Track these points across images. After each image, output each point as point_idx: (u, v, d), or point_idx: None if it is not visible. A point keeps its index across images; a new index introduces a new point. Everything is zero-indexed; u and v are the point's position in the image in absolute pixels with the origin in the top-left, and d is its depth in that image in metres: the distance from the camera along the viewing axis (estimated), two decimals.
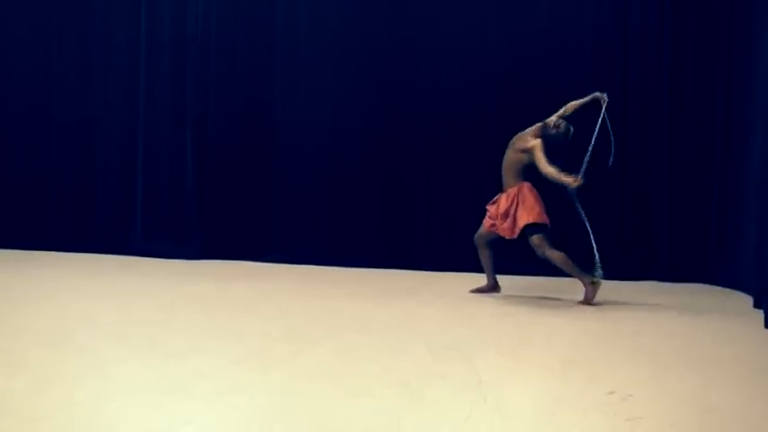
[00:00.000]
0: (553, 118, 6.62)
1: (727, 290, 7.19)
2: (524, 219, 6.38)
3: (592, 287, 6.38)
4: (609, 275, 7.36)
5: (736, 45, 7.30)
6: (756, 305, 6.23)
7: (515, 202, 6.44)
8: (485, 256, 6.81)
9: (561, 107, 6.79)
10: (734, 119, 7.33)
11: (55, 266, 8.09)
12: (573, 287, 6.72)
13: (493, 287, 6.85)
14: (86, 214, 9.19)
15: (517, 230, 6.42)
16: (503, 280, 6.93)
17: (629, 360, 4.72)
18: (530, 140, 6.50)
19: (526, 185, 6.48)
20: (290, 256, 8.46)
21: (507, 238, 6.52)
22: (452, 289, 7.09)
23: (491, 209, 6.65)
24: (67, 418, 3.52)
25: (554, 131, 6.53)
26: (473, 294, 6.83)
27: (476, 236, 6.80)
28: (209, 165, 8.82)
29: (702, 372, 4.49)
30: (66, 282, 7.22)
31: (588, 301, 6.36)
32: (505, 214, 6.46)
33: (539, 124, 6.63)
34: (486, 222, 6.68)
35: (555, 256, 6.41)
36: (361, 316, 5.92)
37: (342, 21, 8.50)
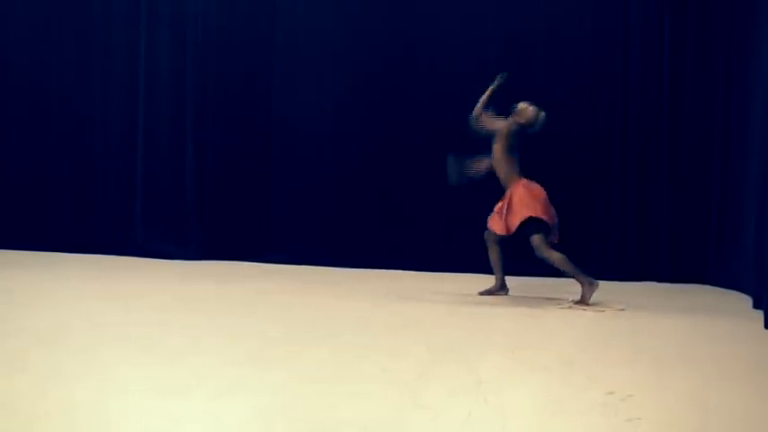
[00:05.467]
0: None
1: (727, 290, 7.19)
2: (517, 217, 6.36)
3: (589, 288, 6.38)
4: (609, 276, 7.38)
5: (735, 46, 7.30)
6: (756, 306, 6.23)
7: (507, 201, 6.43)
8: (494, 255, 6.73)
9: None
10: (733, 120, 7.33)
11: (54, 267, 8.08)
12: (573, 287, 6.71)
13: (501, 287, 6.80)
14: (86, 215, 9.18)
15: (511, 228, 6.41)
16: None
17: (629, 360, 4.72)
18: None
19: (521, 183, 6.44)
20: (289, 257, 8.46)
21: (502, 234, 6.50)
22: (452, 289, 7.08)
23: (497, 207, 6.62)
24: (67, 419, 3.52)
25: (524, 120, 6.51)
26: (474, 295, 6.81)
27: (486, 233, 6.74)
28: (209, 165, 8.81)
29: (702, 372, 4.49)
30: (65, 282, 7.22)
31: (585, 301, 6.36)
32: (500, 213, 6.46)
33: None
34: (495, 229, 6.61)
35: (554, 257, 6.40)
36: (361, 316, 5.92)
37: (341, 21, 8.50)
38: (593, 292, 6.36)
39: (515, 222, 6.37)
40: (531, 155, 7.72)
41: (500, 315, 6.08)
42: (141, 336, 5.10)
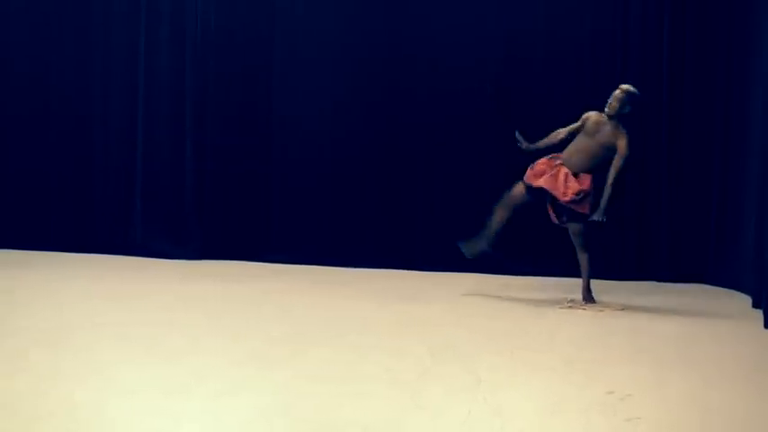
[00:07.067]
0: (612, 103, 6.38)
1: (727, 290, 7.19)
2: (585, 208, 6.36)
3: (588, 298, 6.42)
4: (609, 275, 7.38)
5: (735, 45, 7.31)
6: (755, 305, 6.23)
7: (588, 190, 6.36)
8: (501, 218, 6.59)
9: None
10: (733, 119, 7.33)
11: (54, 267, 8.08)
12: (573, 288, 6.72)
13: (487, 243, 6.67)
14: (86, 214, 9.18)
15: (574, 206, 6.36)
16: (502, 280, 6.93)
17: (629, 360, 4.73)
18: (621, 139, 6.33)
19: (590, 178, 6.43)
20: (289, 257, 8.45)
21: (560, 199, 6.38)
22: (452, 289, 7.08)
23: (538, 169, 6.50)
24: (68, 419, 3.52)
25: (627, 108, 6.38)
26: (475, 295, 6.81)
27: (507, 197, 6.60)
28: (209, 165, 8.80)
29: (702, 372, 4.50)
30: (65, 282, 7.22)
31: (580, 302, 6.39)
32: (579, 191, 6.35)
33: (607, 115, 6.39)
34: (528, 180, 6.50)
35: (585, 253, 6.42)
36: (361, 316, 5.92)
37: (341, 21, 8.50)
38: (589, 303, 6.39)
39: (580, 210, 6.36)
40: (531, 155, 7.78)
41: (500, 315, 6.09)
42: (142, 335, 5.11)
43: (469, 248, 6.79)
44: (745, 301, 6.59)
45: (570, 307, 6.34)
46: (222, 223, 8.80)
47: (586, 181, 6.39)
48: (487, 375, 4.27)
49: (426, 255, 8.19)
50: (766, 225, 6.08)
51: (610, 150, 6.36)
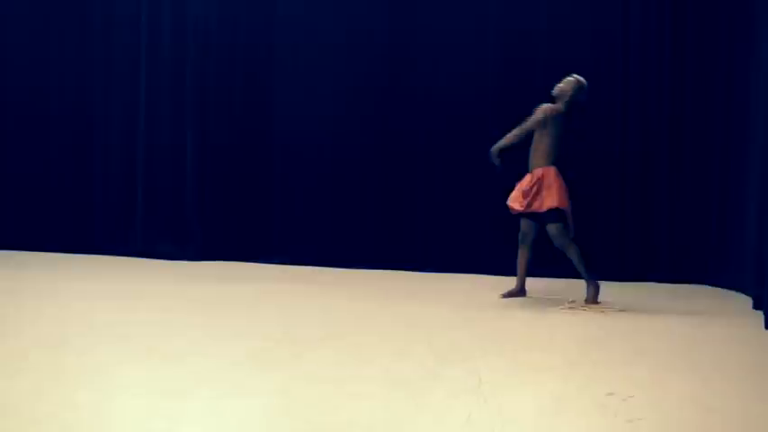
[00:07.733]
0: (560, 85, 6.54)
1: (727, 291, 7.19)
2: (549, 202, 6.34)
3: (593, 289, 6.40)
4: (609, 276, 7.38)
5: (736, 45, 7.30)
6: (756, 306, 6.23)
7: (539, 184, 6.38)
8: (523, 258, 6.70)
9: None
10: (734, 119, 7.33)
11: (55, 268, 8.09)
12: (573, 289, 6.72)
13: (521, 290, 6.77)
14: (87, 215, 9.19)
15: (533, 208, 6.38)
16: (502, 281, 6.93)
17: (630, 361, 4.73)
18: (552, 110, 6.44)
19: (553, 170, 6.41)
20: (290, 257, 8.47)
21: (515, 209, 6.47)
22: (452, 290, 7.08)
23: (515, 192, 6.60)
24: (68, 420, 3.52)
25: (572, 93, 6.47)
26: (475, 296, 6.80)
27: (521, 234, 6.67)
28: (210, 165, 8.82)
29: (702, 373, 4.50)
30: (66, 283, 7.22)
31: (587, 301, 6.37)
32: (527, 193, 6.40)
33: (553, 95, 6.55)
34: (513, 211, 6.60)
35: (572, 248, 6.40)
36: (362, 317, 5.92)
37: (341, 22, 8.51)
38: (596, 294, 6.38)
39: (542, 207, 6.36)
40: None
41: (501, 316, 6.08)
42: (142, 336, 5.10)
43: (509, 294, 6.80)
44: (745, 302, 6.59)
45: (571, 308, 6.34)
46: (223, 224, 8.81)
47: (535, 175, 6.43)
48: (489, 377, 4.27)
49: (426, 256, 8.19)
50: (767, 226, 6.07)
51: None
